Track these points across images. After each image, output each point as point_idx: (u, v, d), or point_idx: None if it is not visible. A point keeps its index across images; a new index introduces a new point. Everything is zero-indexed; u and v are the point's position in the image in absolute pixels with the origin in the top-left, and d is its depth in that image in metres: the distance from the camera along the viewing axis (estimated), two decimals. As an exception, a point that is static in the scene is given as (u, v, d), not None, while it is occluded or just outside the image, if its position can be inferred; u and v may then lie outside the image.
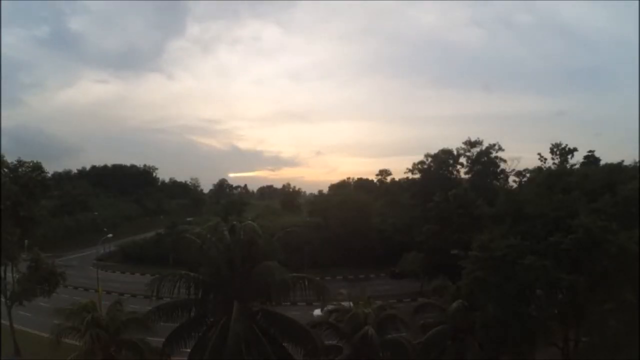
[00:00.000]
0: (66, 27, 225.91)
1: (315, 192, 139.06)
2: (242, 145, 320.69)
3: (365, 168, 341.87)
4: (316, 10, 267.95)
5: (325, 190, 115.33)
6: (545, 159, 52.60)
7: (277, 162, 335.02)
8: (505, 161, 65.00)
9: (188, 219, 75.44)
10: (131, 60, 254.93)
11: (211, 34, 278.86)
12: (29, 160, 32.47)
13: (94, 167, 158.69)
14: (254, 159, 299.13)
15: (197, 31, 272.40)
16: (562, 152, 51.27)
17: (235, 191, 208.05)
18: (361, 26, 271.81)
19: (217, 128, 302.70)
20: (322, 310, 19.41)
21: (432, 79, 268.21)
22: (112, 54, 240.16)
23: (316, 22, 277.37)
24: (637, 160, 40.48)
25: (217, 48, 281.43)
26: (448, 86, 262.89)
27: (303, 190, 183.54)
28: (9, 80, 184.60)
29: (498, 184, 63.94)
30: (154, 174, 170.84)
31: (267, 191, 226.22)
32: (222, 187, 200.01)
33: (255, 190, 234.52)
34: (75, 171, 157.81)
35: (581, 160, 53.39)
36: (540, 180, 36.92)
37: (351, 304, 18.91)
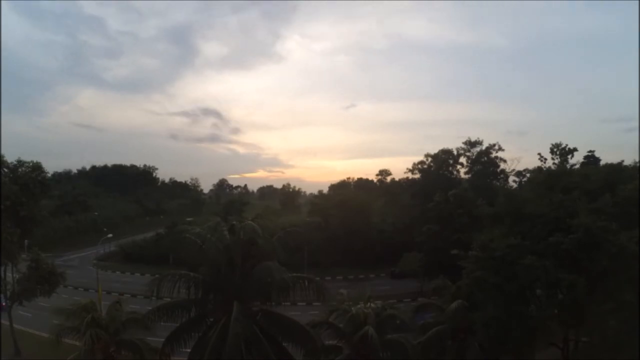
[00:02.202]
0: (88, 60, 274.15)
1: (315, 192, 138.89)
2: (241, 147, 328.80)
3: (365, 168, 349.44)
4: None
5: (325, 190, 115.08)
6: (545, 159, 52.63)
7: (276, 163, 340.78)
8: (505, 161, 65.14)
9: (188, 219, 75.27)
10: (140, 86, 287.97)
11: (214, 63, 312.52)
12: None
13: (94, 167, 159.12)
14: (254, 160, 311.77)
15: (205, 68, 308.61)
16: (562, 152, 51.25)
17: (235, 191, 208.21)
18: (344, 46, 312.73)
19: (217, 131, 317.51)
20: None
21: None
22: (125, 81, 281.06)
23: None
24: (637, 160, 40.57)
25: (221, 71, 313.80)
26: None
27: (303, 190, 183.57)
28: (36, 96, 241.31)
29: (498, 184, 63.97)
30: (154, 174, 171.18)
31: (267, 191, 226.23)
32: (222, 187, 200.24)
33: (255, 190, 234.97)
34: (75, 171, 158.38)
35: (581, 160, 53.51)
36: (540, 180, 36.86)
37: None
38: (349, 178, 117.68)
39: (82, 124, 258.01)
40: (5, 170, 30.77)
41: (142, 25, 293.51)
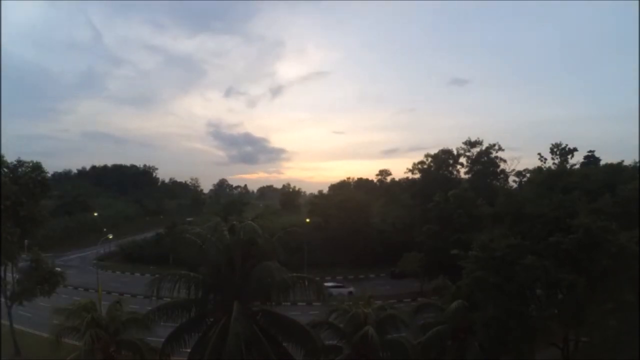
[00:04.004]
0: (103, 82, 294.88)
1: (315, 192, 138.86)
2: (242, 147, 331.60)
3: (365, 168, 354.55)
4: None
5: (325, 190, 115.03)
6: (545, 159, 52.67)
7: (276, 163, 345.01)
8: (505, 161, 65.08)
9: (188, 219, 75.35)
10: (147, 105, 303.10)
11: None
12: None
13: (94, 167, 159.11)
14: (254, 160, 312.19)
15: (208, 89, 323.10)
16: (562, 152, 51.29)
17: (235, 191, 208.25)
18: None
19: (218, 133, 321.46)
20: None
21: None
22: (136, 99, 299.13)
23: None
24: (637, 160, 40.64)
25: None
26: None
27: (303, 190, 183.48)
28: (53, 106, 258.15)
29: (498, 184, 63.92)
30: (154, 174, 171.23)
31: (267, 191, 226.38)
32: (222, 187, 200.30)
33: (255, 190, 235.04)
34: (75, 171, 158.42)
35: (581, 160, 53.59)
36: (540, 180, 36.92)
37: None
38: (349, 178, 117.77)
39: (89, 131, 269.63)
40: (5, 170, 30.72)
41: (149, 56, 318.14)
